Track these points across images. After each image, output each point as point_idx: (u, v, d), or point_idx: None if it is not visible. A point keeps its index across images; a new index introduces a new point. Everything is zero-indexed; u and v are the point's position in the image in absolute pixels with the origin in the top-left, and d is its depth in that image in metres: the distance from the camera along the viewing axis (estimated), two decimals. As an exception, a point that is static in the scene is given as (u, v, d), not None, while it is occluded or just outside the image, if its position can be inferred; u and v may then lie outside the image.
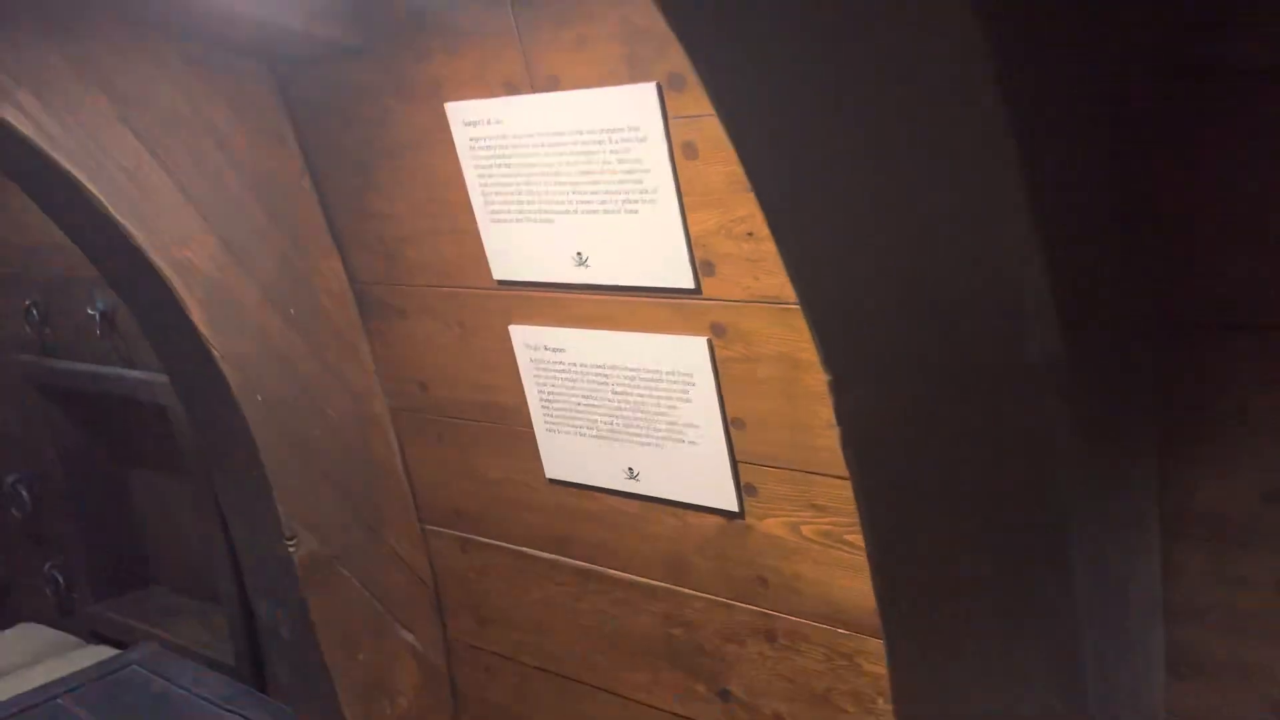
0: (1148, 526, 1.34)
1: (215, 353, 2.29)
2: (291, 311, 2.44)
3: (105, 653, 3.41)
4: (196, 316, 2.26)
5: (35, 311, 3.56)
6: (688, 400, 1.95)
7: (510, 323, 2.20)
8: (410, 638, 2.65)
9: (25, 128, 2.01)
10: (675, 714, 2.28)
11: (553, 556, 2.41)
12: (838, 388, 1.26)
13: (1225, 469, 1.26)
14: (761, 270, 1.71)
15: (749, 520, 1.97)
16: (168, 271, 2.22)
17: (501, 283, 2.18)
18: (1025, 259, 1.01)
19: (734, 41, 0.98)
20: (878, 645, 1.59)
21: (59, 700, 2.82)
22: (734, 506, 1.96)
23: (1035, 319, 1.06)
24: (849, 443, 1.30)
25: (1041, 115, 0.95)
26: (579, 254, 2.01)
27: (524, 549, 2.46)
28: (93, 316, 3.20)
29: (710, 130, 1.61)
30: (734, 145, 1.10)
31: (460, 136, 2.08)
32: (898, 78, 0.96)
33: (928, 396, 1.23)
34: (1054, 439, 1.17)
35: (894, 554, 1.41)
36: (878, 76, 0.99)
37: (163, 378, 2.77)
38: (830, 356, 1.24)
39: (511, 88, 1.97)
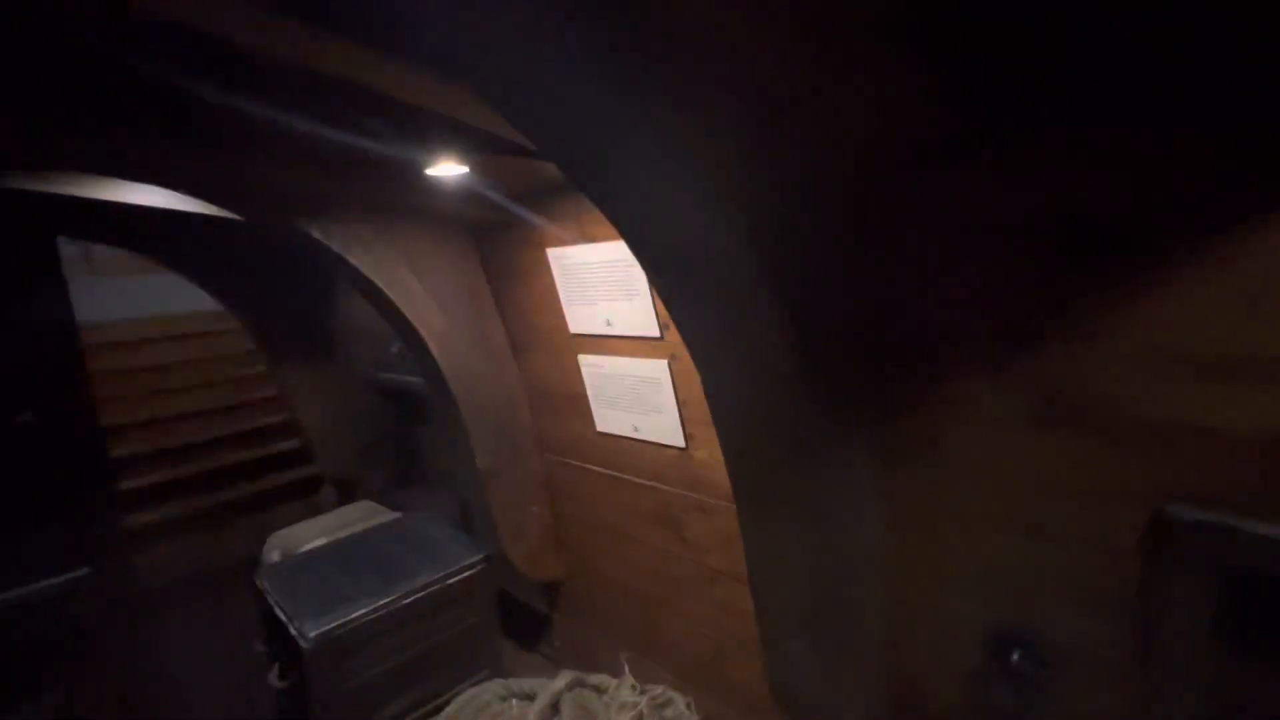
0: (870, 450, 1.33)
1: (442, 369, 2.49)
2: (478, 348, 2.59)
3: (396, 515, 3.46)
4: (434, 351, 2.47)
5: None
6: (659, 392, 2.06)
7: (579, 353, 2.32)
8: (535, 509, 2.74)
9: (359, 265, 2.28)
10: (658, 547, 2.31)
11: (600, 469, 2.47)
12: (704, 379, 1.37)
13: (912, 424, 1.26)
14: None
15: (690, 451, 2.07)
16: (421, 330, 2.44)
17: (574, 334, 2.30)
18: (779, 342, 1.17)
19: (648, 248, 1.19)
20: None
21: (375, 537, 2.97)
22: (683, 444, 2.07)
23: (783, 364, 1.23)
24: (712, 405, 1.41)
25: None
26: (608, 321, 2.13)
27: (587, 465, 2.53)
28: (394, 352, 3.43)
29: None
30: (655, 286, 1.27)
31: (554, 264, 2.24)
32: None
33: (745, 388, 1.35)
34: (802, 405, 1.28)
35: (736, 462, 1.47)
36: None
37: (420, 379, 2.91)
38: (699, 366, 1.36)
39: (575, 241, 2.13)
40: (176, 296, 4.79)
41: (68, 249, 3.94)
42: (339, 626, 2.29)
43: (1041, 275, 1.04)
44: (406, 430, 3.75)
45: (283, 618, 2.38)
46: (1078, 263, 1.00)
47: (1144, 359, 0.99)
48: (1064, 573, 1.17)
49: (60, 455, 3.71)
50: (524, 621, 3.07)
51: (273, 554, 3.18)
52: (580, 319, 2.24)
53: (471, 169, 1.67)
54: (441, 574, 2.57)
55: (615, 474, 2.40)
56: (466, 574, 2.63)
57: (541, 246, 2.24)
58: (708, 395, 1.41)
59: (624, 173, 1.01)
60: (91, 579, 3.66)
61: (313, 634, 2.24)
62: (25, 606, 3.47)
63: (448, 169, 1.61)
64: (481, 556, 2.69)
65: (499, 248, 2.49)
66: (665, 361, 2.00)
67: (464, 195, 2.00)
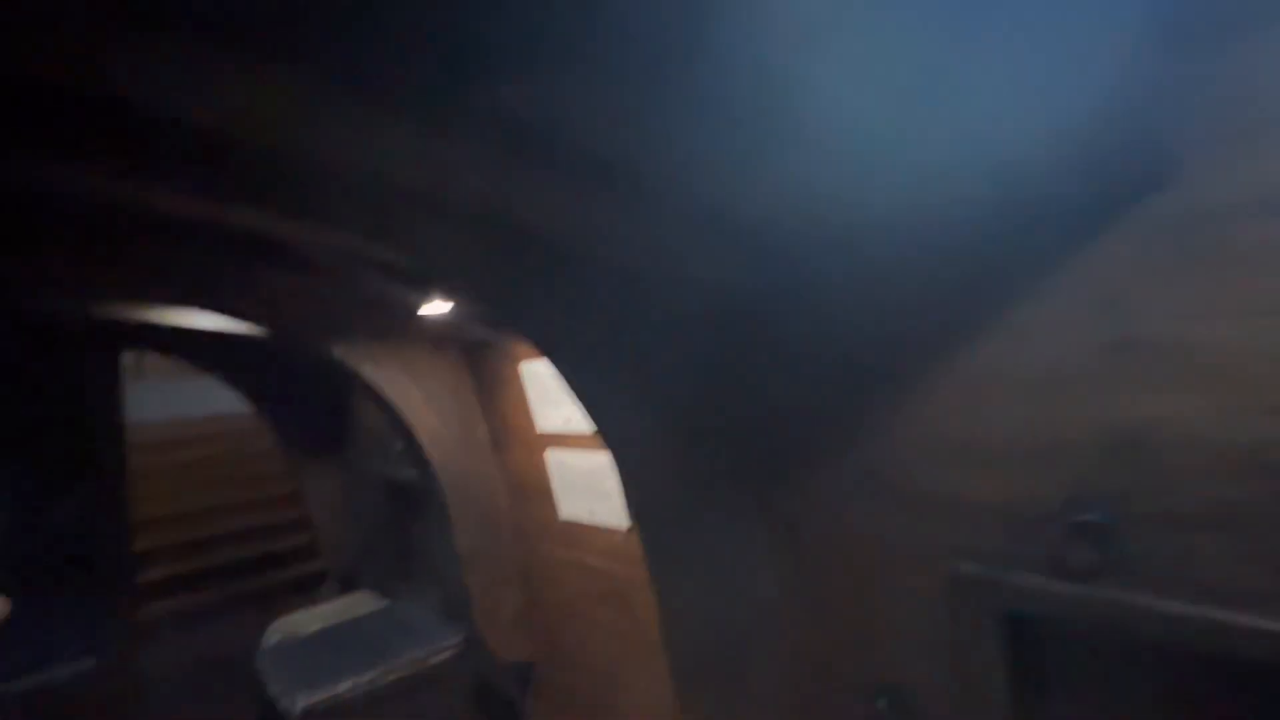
0: (758, 526, 1.60)
1: (433, 464, 2.86)
2: (464, 446, 2.96)
3: (387, 602, 3.70)
4: (427, 448, 2.86)
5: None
6: (606, 480, 2.36)
7: (546, 448, 2.66)
8: (510, 590, 2.98)
9: (369, 377, 2.73)
10: (614, 624, 2.49)
11: (564, 553, 2.70)
12: (618, 470, 1.70)
13: (784, 506, 1.52)
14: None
15: (633, 532, 2.21)
16: (418, 431, 2.84)
17: (540, 433, 2.67)
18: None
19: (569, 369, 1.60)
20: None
21: (366, 623, 3.22)
22: (627, 526, 2.34)
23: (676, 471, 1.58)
24: (622, 481, 1.71)
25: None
26: (566, 419, 2.50)
27: (554, 550, 2.78)
28: (397, 450, 3.63)
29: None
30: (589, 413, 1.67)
31: (525, 374, 2.64)
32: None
33: (653, 483, 1.66)
34: (698, 498, 1.60)
35: (648, 536, 1.73)
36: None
37: (414, 472, 3.25)
38: (614, 462, 1.70)
39: (539, 355, 2.28)
40: (210, 398, 5.33)
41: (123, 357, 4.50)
42: (324, 700, 2.50)
43: (856, 387, 1.42)
44: (404, 525, 4.01)
45: (274, 693, 2.59)
46: (873, 376, 1.40)
47: (918, 445, 1.34)
48: (906, 626, 1.43)
49: (90, 547, 4.04)
50: (500, 712, 3.17)
51: (273, 638, 3.39)
52: (545, 419, 2.63)
53: (455, 305, 2.15)
54: (421, 654, 2.81)
55: (576, 557, 2.67)
56: (444, 655, 2.86)
57: (516, 360, 2.69)
58: (621, 482, 1.75)
59: (533, 322, 1.46)
60: (105, 667, 3.84)
61: (299, 706, 2.45)
62: (43, 691, 3.65)
63: (436, 308, 2.10)
64: (459, 639, 2.92)
65: (484, 361, 2.95)
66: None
67: (452, 322, 2.49)
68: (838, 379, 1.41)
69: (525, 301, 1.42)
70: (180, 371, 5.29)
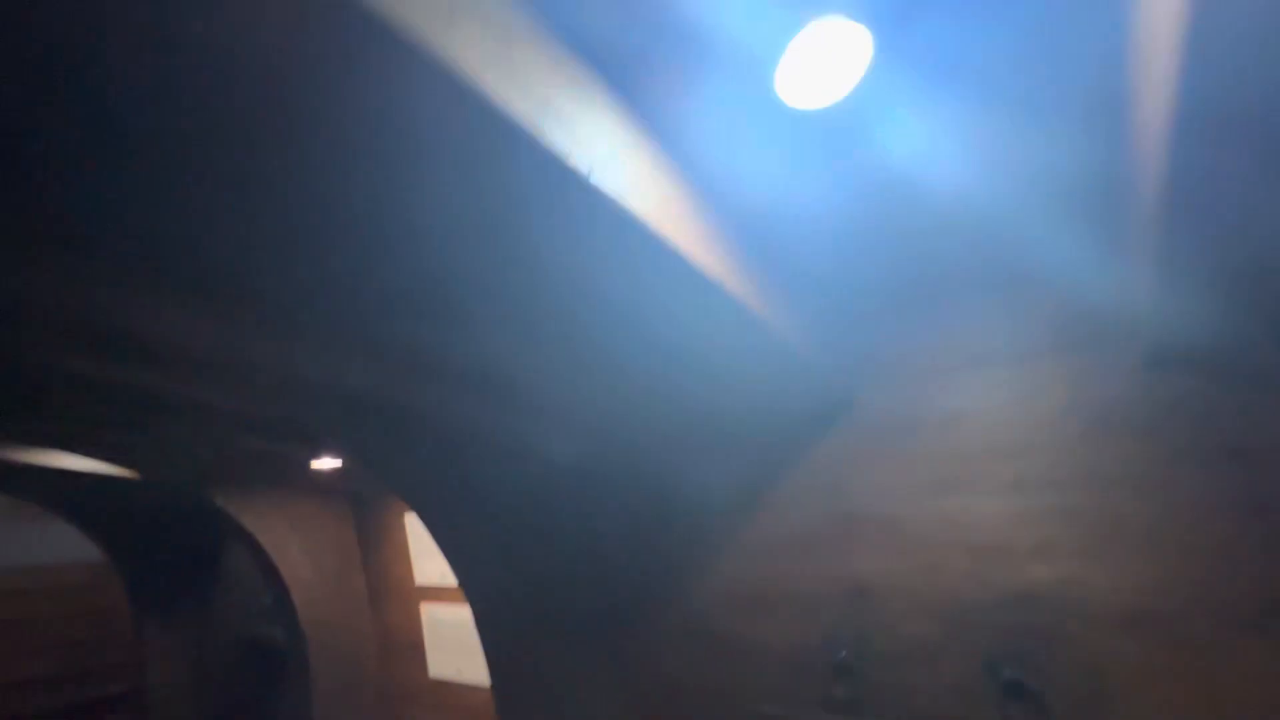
0: (602, 665, 1.82)
1: (301, 618, 2.71)
2: (339, 599, 2.87)
3: None
4: (296, 600, 2.73)
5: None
6: (474, 634, 2.28)
7: (421, 602, 2.68)
8: None
9: (249, 526, 2.65)
10: None
11: (433, 705, 2.61)
12: (475, 616, 1.81)
13: (628, 647, 1.80)
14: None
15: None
16: (290, 582, 2.73)
17: (418, 586, 2.69)
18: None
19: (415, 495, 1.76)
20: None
21: None
22: (488, 684, 2.22)
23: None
24: (480, 633, 1.82)
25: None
26: (442, 573, 2.56)
27: (419, 714, 2.66)
28: (266, 603, 3.48)
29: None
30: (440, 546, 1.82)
31: (409, 526, 2.73)
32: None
33: (508, 620, 1.77)
34: (540, 629, 1.75)
35: (496, 675, 1.81)
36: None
37: (278, 629, 3.10)
38: (472, 607, 1.83)
39: None
40: (43, 545, 4.68)
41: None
42: None
43: (674, 549, 1.70)
44: (257, 692, 3.59)
45: None
46: (686, 540, 1.69)
47: (720, 598, 1.61)
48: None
49: None
50: None
51: None
52: (424, 571, 2.68)
53: (345, 460, 2.28)
54: None
55: (447, 712, 2.58)
56: None
57: (402, 513, 2.79)
58: (480, 634, 1.86)
59: (407, 482, 1.66)
60: None
61: None
62: None
63: (326, 462, 2.23)
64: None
65: (370, 512, 3.01)
66: (482, 608, 2.40)
67: (341, 474, 2.58)
68: (661, 543, 1.69)
69: (401, 465, 1.63)
70: (11, 511, 4.70)
